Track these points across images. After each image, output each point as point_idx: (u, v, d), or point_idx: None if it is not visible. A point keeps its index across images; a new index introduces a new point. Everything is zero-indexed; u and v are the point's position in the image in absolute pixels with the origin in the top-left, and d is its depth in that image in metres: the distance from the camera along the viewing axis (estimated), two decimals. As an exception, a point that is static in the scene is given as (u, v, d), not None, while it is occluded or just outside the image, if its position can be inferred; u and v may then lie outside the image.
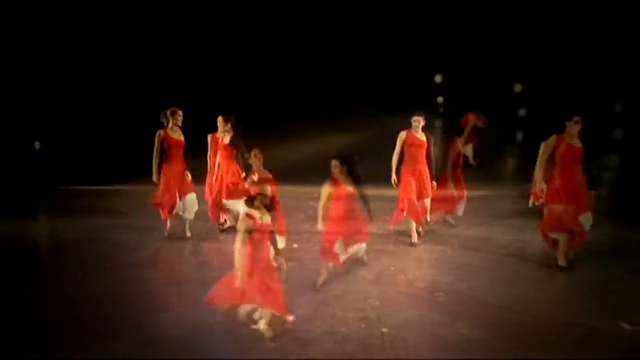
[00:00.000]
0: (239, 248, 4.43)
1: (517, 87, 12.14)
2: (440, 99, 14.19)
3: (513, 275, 6.33)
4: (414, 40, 13.46)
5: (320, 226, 5.69)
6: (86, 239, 7.84)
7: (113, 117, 12.91)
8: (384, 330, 4.90)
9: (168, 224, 7.75)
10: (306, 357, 4.50)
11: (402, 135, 7.35)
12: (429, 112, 14.12)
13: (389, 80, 13.91)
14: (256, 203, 4.55)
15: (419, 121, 7.35)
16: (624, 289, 5.90)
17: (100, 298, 5.46)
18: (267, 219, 4.63)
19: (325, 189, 5.72)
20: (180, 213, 7.64)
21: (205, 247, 7.51)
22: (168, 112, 7.50)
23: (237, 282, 4.41)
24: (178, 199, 7.57)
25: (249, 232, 4.45)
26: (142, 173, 8.07)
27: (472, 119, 9.26)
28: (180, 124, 7.54)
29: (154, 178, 7.51)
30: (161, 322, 4.90)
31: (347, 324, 4.93)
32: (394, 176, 7.30)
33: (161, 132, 7.47)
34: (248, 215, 4.56)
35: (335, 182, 5.73)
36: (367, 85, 13.97)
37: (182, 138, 7.59)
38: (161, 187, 7.53)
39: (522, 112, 12.19)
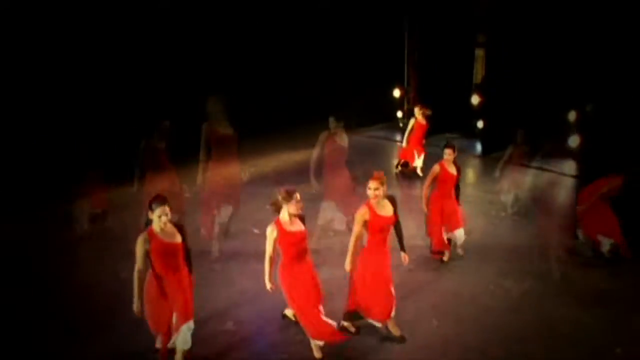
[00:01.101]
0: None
1: (475, 99, 12.16)
2: (399, 114, 14.17)
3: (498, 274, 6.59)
4: (372, 54, 13.46)
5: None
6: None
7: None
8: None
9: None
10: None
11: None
12: (389, 127, 14.18)
13: (347, 94, 13.84)
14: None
15: None
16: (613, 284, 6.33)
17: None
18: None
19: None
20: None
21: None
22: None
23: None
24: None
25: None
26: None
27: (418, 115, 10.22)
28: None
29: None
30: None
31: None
32: None
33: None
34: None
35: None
36: (324, 100, 13.85)
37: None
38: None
39: (480, 123, 12.20)
